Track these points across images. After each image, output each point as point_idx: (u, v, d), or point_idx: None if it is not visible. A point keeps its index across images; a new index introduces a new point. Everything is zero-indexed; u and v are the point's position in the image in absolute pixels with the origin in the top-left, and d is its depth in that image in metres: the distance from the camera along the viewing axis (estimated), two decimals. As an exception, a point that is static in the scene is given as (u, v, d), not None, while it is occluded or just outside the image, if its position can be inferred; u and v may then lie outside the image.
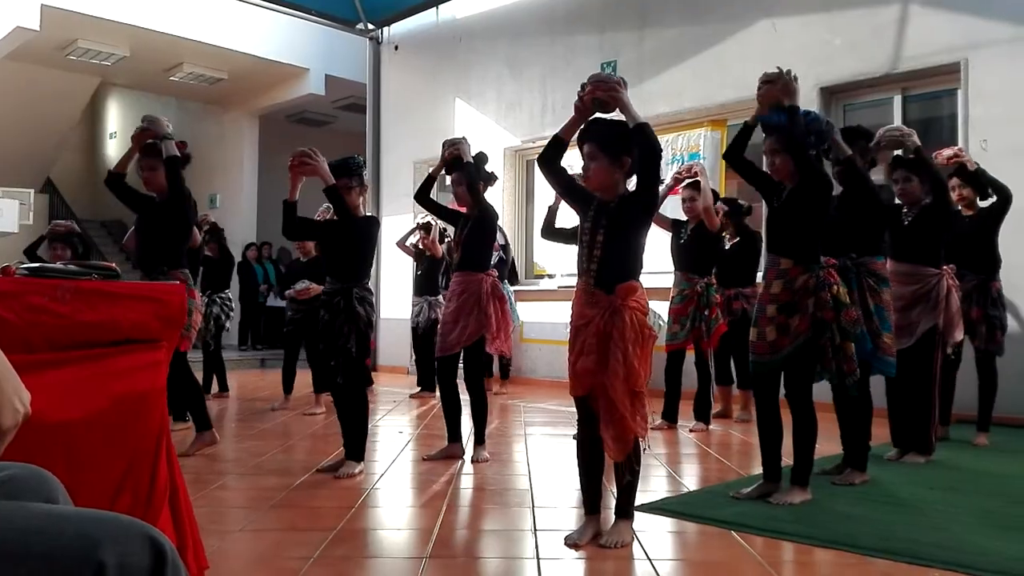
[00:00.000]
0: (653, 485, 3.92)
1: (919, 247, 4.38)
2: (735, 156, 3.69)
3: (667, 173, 7.68)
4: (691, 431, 5.51)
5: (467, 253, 4.47)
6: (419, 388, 7.71)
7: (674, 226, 5.75)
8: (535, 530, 3.10)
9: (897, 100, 6.86)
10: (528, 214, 9.52)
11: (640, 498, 3.57)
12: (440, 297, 7.30)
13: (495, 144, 9.67)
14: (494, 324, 4.40)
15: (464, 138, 4.62)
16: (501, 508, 3.50)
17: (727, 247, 6.02)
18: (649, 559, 2.76)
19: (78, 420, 1.68)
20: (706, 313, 5.50)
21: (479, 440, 4.50)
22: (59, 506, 1.24)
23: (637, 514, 3.31)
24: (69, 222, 5.98)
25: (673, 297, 5.64)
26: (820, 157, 3.59)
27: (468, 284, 4.41)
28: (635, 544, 2.93)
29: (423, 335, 7.44)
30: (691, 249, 5.60)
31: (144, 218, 4.76)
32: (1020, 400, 5.68)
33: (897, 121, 6.84)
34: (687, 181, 5.53)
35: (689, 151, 7.84)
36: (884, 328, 3.80)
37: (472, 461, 4.40)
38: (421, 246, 7.53)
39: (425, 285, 7.51)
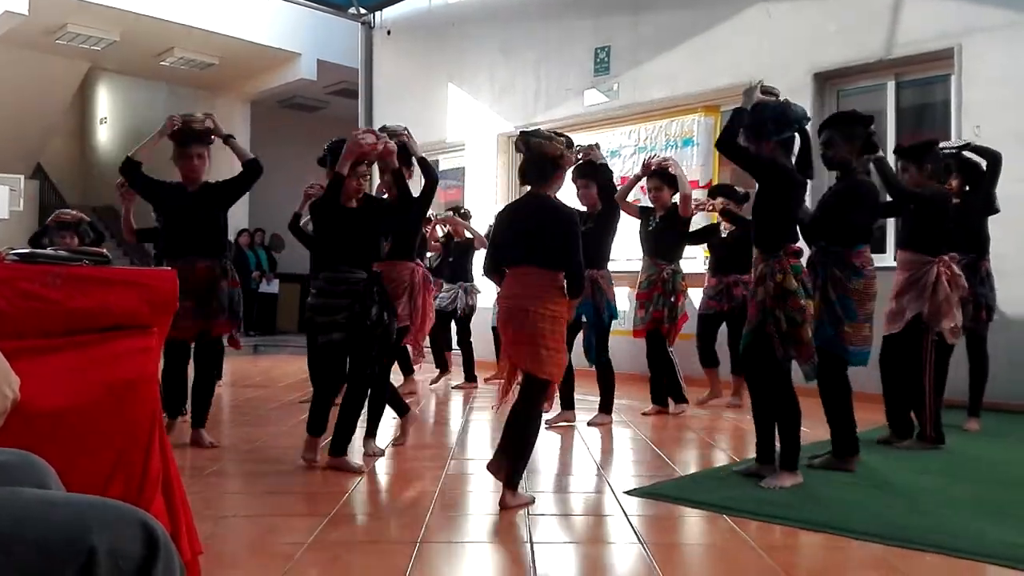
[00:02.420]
0: (646, 470, 3.93)
1: (915, 235, 4.44)
2: (728, 144, 3.65)
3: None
4: (644, 413, 5.56)
5: (395, 241, 4.47)
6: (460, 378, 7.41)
7: (642, 213, 5.73)
8: (528, 514, 3.11)
9: (891, 86, 6.85)
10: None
11: (633, 483, 3.59)
12: (475, 283, 7.30)
13: (488, 130, 9.65)
14: (418, 317, 4.45)
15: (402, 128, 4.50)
16: (494, 493, 3.51)
17: (724, 234, 6.04)
18: (642, 543, 2.77)
19: (69, 406, 1.67)
20: (672, 300, 5.47)
21: (372, 433, 4.28)
22: (50, 492, 1.23)
23: (628, 499, 3.34)
24: (76, 212, 5.83)
25: (640, 282, 5.64)
26: (785, 146, 3.60)
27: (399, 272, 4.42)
28: (628, 528, 2.95)
29: (461, 321, 7.31)
30: (659, 236, 5.61)
31: (176, 206, 4.49)
32: (1011, 386, 5.72)
33: (890, 107, 6.85)
34: (652, 170, 5.50)
35: (683, 137, 7.83)
36: (847, 318, 3.73)
37: (365, 455, 4.15)
38: (452, 232, 7.43)
39: (457, 271, 7.39)
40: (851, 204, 3.85)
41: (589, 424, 5.16)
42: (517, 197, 3.77)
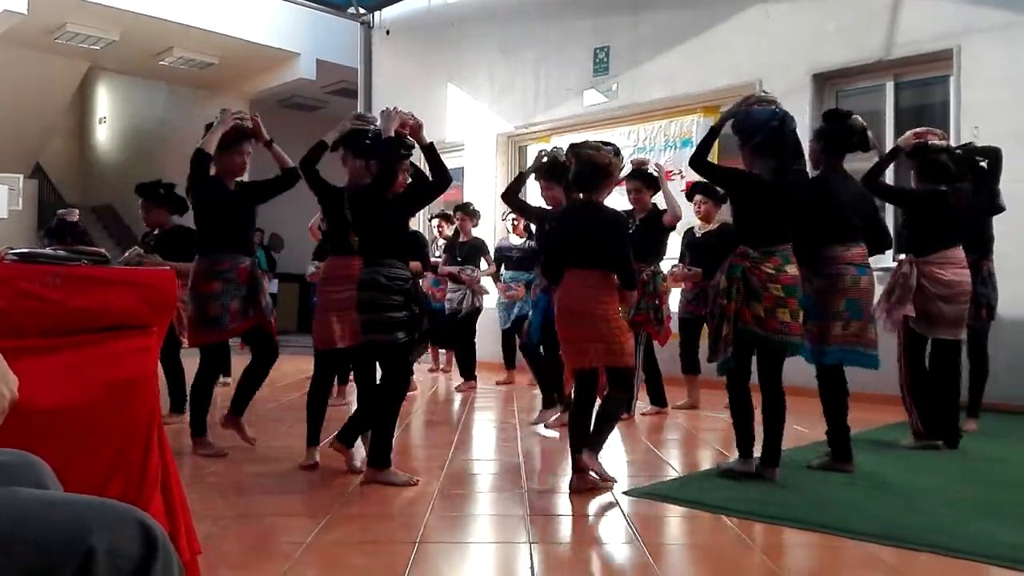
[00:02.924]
0: (643, 470, 3.94)
1: (908, 237, 4.49)
2: (697, 161, 3.88)
3: (660, 159, 7.70)
4: (643, 414, 5.55)
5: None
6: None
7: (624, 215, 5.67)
8: (528, 515, 3.11)
9: (890, 86, 6.86)
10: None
11: (630, 483, 3.59)
12: (482, 283, 7.22)
13: (487, 130, 9.64)
14: None
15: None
16: (493, 493, 3.51)
17: (699, 235, 5.89)
18: (641, 543, 2.77)
19: (68, 406, 1.67)
20: (656, 302, 5.32)
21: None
22: (49, 492, 1.23)
23: (626, 499, 3.34)
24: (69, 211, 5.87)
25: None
26: (762, 151, 3.63)
27: None
28: (626, 528, 2.95)
29: (463, 320, 7.19)
30: (637, 239, 5.26)
31: (220, 203, 4.29)
32: (1011, 387, 5.72)
33: (889, 107, 6.86)
34: (628, 172, 5.36)
35: (682, 137, 7.83)
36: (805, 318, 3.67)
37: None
38: (460, 230, 7.37)
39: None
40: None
41: (533, 423, 5.17)
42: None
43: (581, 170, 3.60)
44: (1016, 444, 4.74)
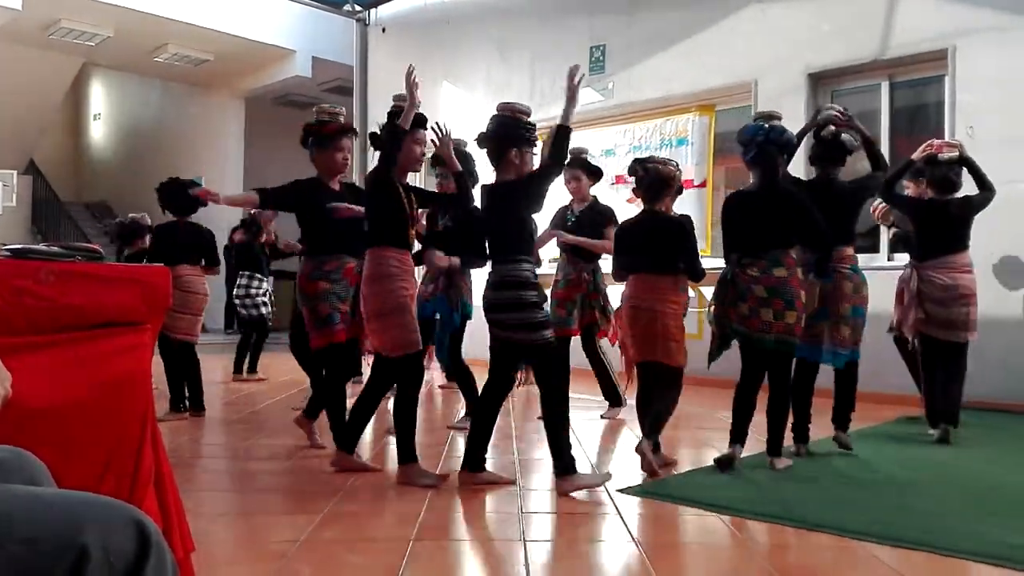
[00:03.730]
0: (638, 468, 3.94)
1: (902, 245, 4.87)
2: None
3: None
4: (602, 417, 5.40)
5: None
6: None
7: (560, 209, 5.45)
8: (521, 512, 3.11)
9: (884, 86, 6.87)
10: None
11: (626, 481, 3.59)
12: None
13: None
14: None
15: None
16: (488, 491, 3.51)
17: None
18: (636, 542, 2.78)
19: (62, 403, 1.66)
20: (601, 301, 5.18)
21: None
22: (43, 488, 1.23)
23: (622, 497, 3.34)
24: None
25: (557, 282, 5.30)
26: (754, 164, 3.98)
27: None
28: (622, 527, 2.95)
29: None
30: (577, 233, 5.24)
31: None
32: (1005, 386, 5.74)
33: (884, 107, 6.87)
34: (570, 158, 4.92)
35: (677, 136, 7.83)
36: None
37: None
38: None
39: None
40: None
41: (449, 427, 5.05)
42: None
43: (650, 183, 3.90)
44: (1011, 443, 4.75)
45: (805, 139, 4.57)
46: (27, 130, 15.79)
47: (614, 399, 5.50)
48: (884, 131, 6.83)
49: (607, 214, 5.29)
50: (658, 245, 3.83)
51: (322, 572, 2.47)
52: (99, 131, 18.48)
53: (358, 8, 11.05)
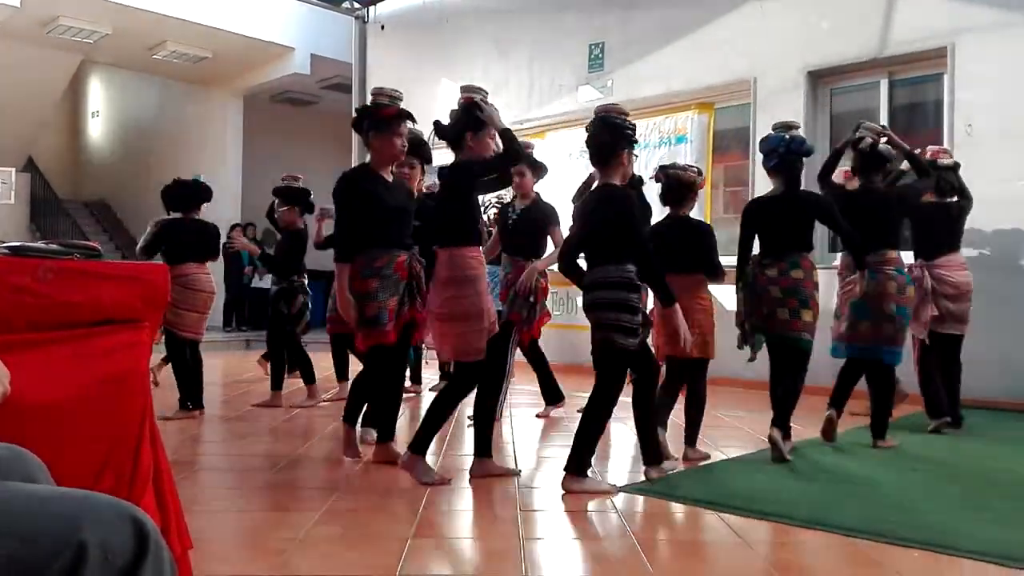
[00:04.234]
0: (636, 466, 3.94)
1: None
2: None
3: (655, 157, 7.70)
4: (538, 416, 5.40)
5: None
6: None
7: (502, 207, 5.42)
8: (520, 510, 3.12)
9: (884, 84, 6.87)
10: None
11: (623, 478, 3.60)
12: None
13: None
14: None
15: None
16: (485, 489, 3.51)
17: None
18: (634, 540, 2.78)
19: (60, 401, 1.66)
20: (531, 300, 5.01)
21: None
22: (41, 486, 1.23)
23: (621, 495, 3.35)
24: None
25: (500, 281, 5.20)
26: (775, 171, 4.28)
27: None
28: (619, 524, 2.95)
29: None
30: (519, 231, 5.14)
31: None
32: (1002, 384, 5.75)
33: (883, 105, 6.87)
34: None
35: (677, 134, 7.83)
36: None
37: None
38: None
39: None
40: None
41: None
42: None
43: (670, 187, 4.11)
44: (1004, 441, 4.76)
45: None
46: (25, 128, 15.77)
47: (554, 396, 5.47)
48: (883, 129, 6.84)
49: (549, 213, 5.17)
50: (686, 247, 4.02)
51: (320, 569, 2.48)
52: (97, 129, 18.46)
53: (357, 5, 11.05)
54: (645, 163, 8.08)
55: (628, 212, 3.43)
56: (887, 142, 4.54)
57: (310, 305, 5.88)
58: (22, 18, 10.86)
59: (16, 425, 1.49)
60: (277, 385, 5.81)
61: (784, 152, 4.11)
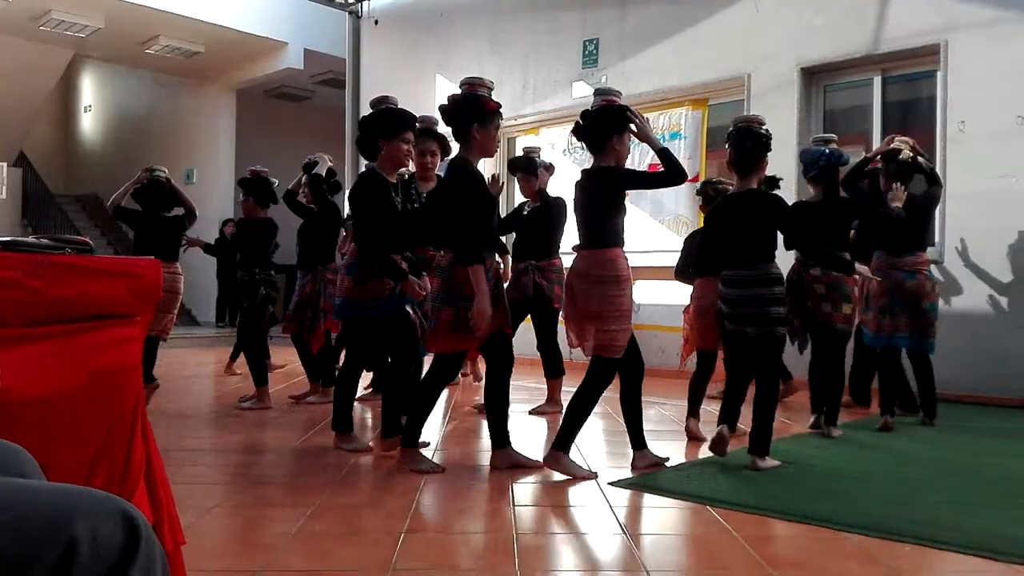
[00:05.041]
0: (628, 461, 3.95)
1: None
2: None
3: (649, 152, 7.71)
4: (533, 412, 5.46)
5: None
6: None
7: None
8: (513, 505, 3.12)
9: (877, 81, 6.89)
10: (509, 192, 9.49)
11: (617, 474, 3.61)
12: None
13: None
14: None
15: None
16: (478, 484, 3.52)
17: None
18: (627, 534, 2.79)
19: (51, 396, 1.66)
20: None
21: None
22: (32, 481, 1.23)
23: (613, 490, 3.35)
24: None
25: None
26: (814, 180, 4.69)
27: None
28: (612, 519, 2.96)
29: None
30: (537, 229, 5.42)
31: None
32: (990, 379, 5.77)
33: (876, 102, 6.89)
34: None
35: (671, 130, 7.84)
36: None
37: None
38: None
39: None
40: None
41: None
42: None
43: (712, 200, 4.49)
44: (999, 436, 4.79)
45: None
46: (17, 122, 15.68)
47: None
48: (876, 126, 6.86)
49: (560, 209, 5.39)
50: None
51: (313, 565, 2.48)
52: (90, 123, 18.38)
53: (351, 0, 11.01)
54: (638, 159, 8.09)
55: (786, 213, 3.82)
56: (917, 155, 4.91)
57: (274, 298, 5.74)
58: (13, 11, 10.81)
59: (6, 420, 1.48)
60: (262, 381, 5.59)
61: (825, 164, 4.54)
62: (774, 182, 4.57)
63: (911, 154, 4.85)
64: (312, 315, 5.61)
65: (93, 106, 18.21)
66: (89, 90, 18.32)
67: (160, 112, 15.71)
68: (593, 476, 3.58)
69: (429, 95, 10.03)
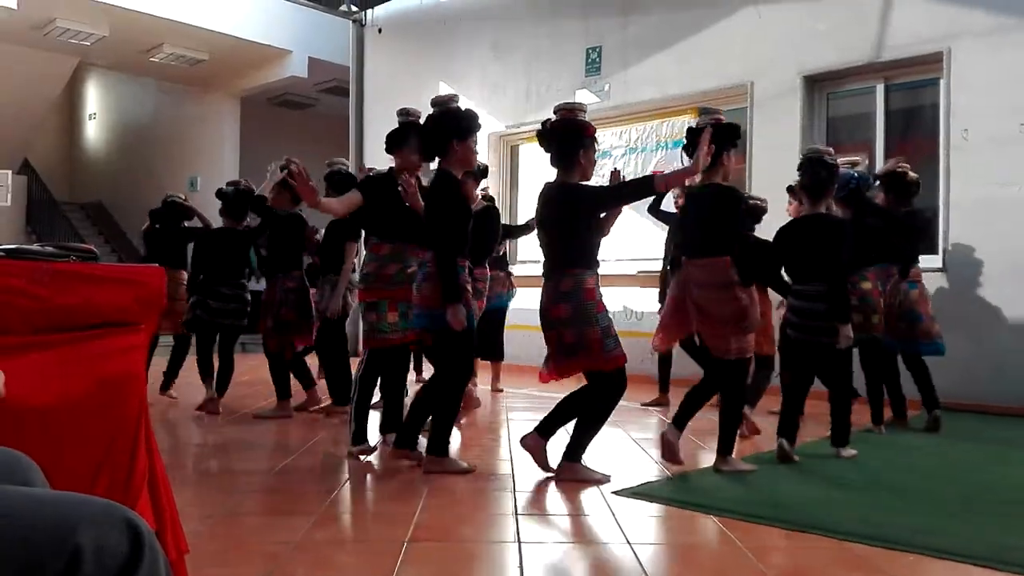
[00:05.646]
0: (632, 470, 3.94)
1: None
2: None
3: (652, 160, 7.71)
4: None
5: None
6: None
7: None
8: (516, 514, 3.11)
9: (880, 89, 6.89)
10: (513, 200, 9.51)
11: (620, 483, 3.60)
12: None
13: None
14: None
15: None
16: (483, 492, 3.51)
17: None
18: (629, 543, 2.78)
19: (56, 404, 1.66)
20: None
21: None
22: (36, 489, 1.23)
23: (616, 499, 3.35)
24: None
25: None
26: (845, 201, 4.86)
27: None
28: (615, 528, 2.95)
29: None
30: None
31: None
32: (994, 388, 5.76)
33: (879, 110, 6.89)
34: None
35: (673, 138, 7.85)
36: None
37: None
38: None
39: None
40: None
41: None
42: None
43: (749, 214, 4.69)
44: (1001, 445, 4.77)
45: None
46: (22, 130, 15.76)
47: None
48: (879, 134, 6.86)
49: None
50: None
51: (316, 573, 2.47)
52: (94, 131, 18.44)
53: (354, 8, 11.05)
54: (641, 167, 8.10)
55: (844, 239, 4.08)
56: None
57: (244, 307, 5.75)
58: (18, 20, 10.85)
59: (11, 428, 1.49)
60: (285, 394, 5.56)
61: (855, 187, 4.82)
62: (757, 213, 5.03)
63: (915, 176, 5.12)
64: (274, 324, 5.44)
65: (97, 114, 18.27)
66: (93, 98, 18.39)
67: (164, 120, 15.75)
68: (607, 479, 3.63)
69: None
